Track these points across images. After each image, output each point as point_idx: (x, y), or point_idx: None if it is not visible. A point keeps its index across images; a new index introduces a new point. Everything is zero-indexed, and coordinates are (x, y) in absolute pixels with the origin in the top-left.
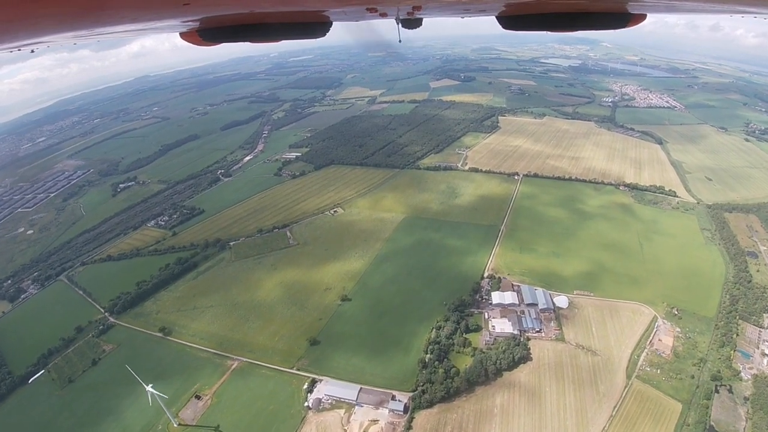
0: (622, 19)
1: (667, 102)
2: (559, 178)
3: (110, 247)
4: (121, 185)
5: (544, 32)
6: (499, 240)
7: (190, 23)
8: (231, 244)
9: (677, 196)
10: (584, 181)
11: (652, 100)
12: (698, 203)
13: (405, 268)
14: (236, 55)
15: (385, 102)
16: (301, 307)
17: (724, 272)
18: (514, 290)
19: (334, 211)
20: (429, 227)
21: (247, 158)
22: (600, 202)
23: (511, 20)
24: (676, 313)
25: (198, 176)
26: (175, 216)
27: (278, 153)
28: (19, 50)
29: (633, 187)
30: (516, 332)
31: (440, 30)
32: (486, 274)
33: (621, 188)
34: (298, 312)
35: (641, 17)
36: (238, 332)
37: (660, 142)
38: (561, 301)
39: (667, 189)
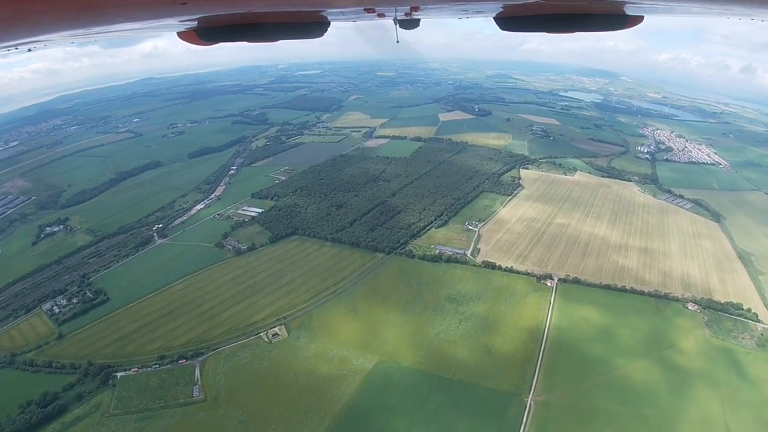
0: (620, 21)
1: (709, 156)
2: (608, 287)
3: None
4: (48, 228)
5: (544, 35)
6: None
7: (187, 23)
8: (119, 375)
9: (759, 321)
10: (641, 293)
11: (691, 152)
12: None
13: None
14: (245, 64)
15: (385, 136)
16: None
17: None
18: None
19: (274, 335)
20: (410, 391)
21: (198, 207)
22: (695, 345)
23: (509, 21)
24: None
25: (131, 229)
26: (75, 300)
27: (236, 203)
28: (16, 49)
29: (706, 306)
30: None
31: (455, 53)
32: None
33: (690, 307)
34: None
35: (638, 19)
36: None
37: (718, 219)
38: None
39: (745, 307)
